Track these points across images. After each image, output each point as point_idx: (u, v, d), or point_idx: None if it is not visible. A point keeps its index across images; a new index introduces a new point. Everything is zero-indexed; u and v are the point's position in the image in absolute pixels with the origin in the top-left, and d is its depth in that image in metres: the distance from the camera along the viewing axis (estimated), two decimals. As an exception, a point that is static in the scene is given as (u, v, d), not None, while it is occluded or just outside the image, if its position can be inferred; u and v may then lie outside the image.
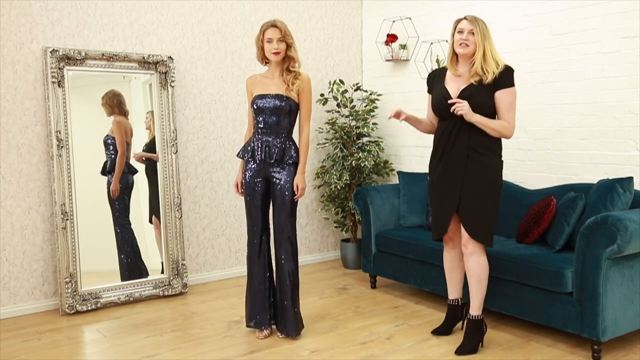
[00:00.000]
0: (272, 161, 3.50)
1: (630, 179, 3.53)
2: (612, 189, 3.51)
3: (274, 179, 3.54)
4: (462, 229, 3.30)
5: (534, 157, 4.41)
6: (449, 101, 3.21)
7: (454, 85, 3.29)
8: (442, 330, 3.56)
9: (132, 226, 4.46)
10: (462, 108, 3.15)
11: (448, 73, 3.35)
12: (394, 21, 5.31)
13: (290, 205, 3.54)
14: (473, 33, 3.20)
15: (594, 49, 4.02)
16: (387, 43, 5.27)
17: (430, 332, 3.62)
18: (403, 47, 5.25)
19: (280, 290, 3.59)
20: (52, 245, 4.21)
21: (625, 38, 3.86)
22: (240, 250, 5.07)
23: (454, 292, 3.53)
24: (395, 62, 5.39)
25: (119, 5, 4.40)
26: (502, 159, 3.36)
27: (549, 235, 3.71)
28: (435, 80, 3.43)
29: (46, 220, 4.19)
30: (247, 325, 3.68)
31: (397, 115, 3.38)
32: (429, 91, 3.48)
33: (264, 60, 3.58)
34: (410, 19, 5.19)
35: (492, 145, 3.26)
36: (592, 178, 4.03)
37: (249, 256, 3.62)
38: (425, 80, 3.61)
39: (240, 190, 3.67)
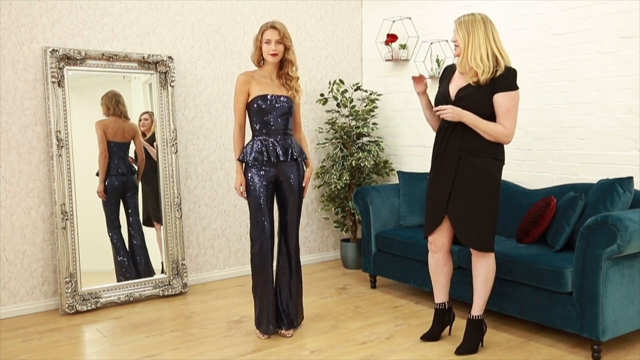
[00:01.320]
0: (290, 159, 3.54)
1: (630, 179, 3.53)
2: (612, 189, 3.51)
3: (286, 178, 3.56)
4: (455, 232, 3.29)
5: (534, 157, 4.41)
6: (434, 109, 3.20)
7: (456, 83, 3.25)
8: (431, 336, 3.51)
9: (131, 227, 4.45)
10: (446, 113, 3.11)
11: (457, 71, 3.29)
12: (394, 21, 5.31)
13: (299, 201, 3.62)
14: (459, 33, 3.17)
15: (594, 49, 4.02)
16: (387, 43, 5.27)
17: (420, 337, 3.56)
18: (403, 47, 5.26)
19: (290, 286, 3.63)
20: (52, 245, 4.21)
21: (625, 38, 3.86)
22: (240, 250, 5.07)
23: (440, 296, 3.48)
24: (395, 62, 5.40)
25: (119, 5, 4.40)
26: (504, 161, 3.27)
27: (549, 235, 3.71)
28: (445, 77, 3.38)
29: (46, 220, 4.19)
30: (259, 330, 3.64)
31: (421, 79, 3.38)
32: (439, 87, 3.42)
33: (260, 61, 3.58)
34: (410, 19, 5.19)
35: (488, 147, 3.17)
36: (592, 178, 4.03)
37: (259, 260, 3.54)
38: (426, 78, 3.56)
39: (243, 193, 3.57)
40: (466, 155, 3.18)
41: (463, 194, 3.20)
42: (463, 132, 3.17)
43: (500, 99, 3.11)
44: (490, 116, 3.16)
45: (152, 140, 4.54)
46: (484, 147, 3.17)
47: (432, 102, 3.40)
